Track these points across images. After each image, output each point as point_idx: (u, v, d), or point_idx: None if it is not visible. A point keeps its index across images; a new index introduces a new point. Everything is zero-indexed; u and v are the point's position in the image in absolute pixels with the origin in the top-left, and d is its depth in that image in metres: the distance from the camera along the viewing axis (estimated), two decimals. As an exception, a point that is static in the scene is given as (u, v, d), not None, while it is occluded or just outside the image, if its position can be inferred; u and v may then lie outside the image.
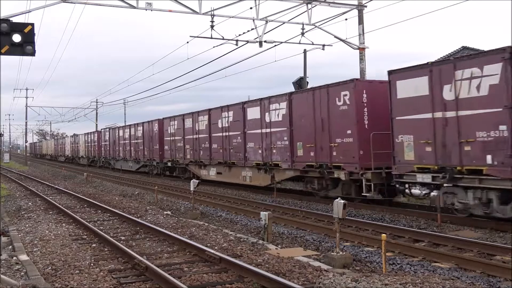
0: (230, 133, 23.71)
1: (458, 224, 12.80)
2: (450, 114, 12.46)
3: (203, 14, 19.67)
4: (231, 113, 23.87)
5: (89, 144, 54.50)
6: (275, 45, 22.23)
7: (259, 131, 21.14)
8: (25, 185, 29.58)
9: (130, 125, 41.23)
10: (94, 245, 11.08)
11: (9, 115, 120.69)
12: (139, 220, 14.06)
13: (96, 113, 70.10)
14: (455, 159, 12.33)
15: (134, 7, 18.63)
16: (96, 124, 68.85)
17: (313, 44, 22.56)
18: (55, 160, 77.87)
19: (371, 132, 15.34)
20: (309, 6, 20.71)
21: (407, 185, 14.13)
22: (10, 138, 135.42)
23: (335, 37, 22.01)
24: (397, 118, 14.00)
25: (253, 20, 20.59)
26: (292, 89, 28.26)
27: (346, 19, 21.35)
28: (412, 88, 13.44)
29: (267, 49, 22.35)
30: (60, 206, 17.87)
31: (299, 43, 22.09)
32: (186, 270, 8.56)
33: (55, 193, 24.74)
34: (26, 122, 70.02)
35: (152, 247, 10.75)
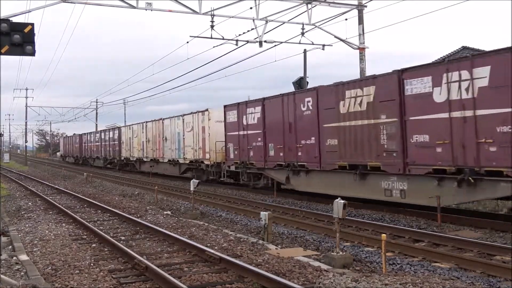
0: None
1: (458, 224, 12.81)
2: None
3: (203, 14, 19.68)
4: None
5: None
6: (275, 45, 22.26)
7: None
8: (25, 185, 29.58)
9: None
10: (94, 245, 11.08)
11: (9, 115, 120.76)
12: (139, 220, 14.05)
13: (96, 113, 70.17)
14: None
15: (134, 7, 18.63)
16: (96, 124, 68.86)
17: (313, 44, 22.58)
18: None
19: None
20: (309, 6, 20.71)
21: None
22: (10, 138, 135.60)
23: (335, 37, 22.03)
24: None
25: (253, 20, 20.60)
26: (292, 89, 28.16)
27: (346, 19, 21.39)
28: None
29: (267, 49, 22.39)
30: (60, 206, 17.87)
31: (299, 43, 22.11)
32: (186, 270, 8.55)
33: (55, 193, 24.75)
34: (26, 122, 70.11)
35: (152, 247, 10.75)
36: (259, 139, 20.89)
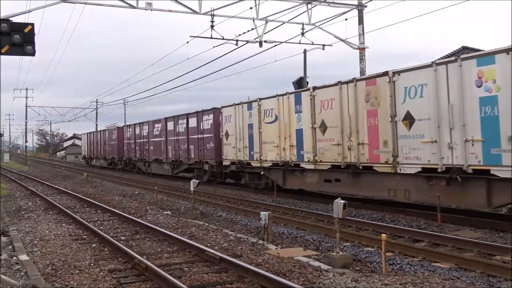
0: None
1: (458, 224, 12.81)
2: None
3: (203, 14, 19.69)
4: None
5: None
6: (275, 45, 22.29)
7: None
8: (25, 185, 29.58)
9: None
10: (94, 245, 11.08)
11: (9, 115, 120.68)
12: (139, 220, 14.05)
13: (96, 113, 70.07)
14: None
15: (134, 7, 18.64)
16: (96, 124, 68.79)
17: (313, 44, 22.61)
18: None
19: None
20: (309, 6, 20.72)
21: None
22: (10, 138, 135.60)
23: (335, 37, 22.04)
24: None
25: (253, 20, 20.60)
26: (292, 89, 28.26)
27: (346, 19, 21.40)
28: None
29: (267, 49, 22.41)
30: (60, 206, 17.86)
31: (299, 43, 22.14)
32: (186, 270, 8.55)
33: (55, 193, 24.74)
34: (26, 122, 70.16)
35: (152, 247, 10.75)
36: None
